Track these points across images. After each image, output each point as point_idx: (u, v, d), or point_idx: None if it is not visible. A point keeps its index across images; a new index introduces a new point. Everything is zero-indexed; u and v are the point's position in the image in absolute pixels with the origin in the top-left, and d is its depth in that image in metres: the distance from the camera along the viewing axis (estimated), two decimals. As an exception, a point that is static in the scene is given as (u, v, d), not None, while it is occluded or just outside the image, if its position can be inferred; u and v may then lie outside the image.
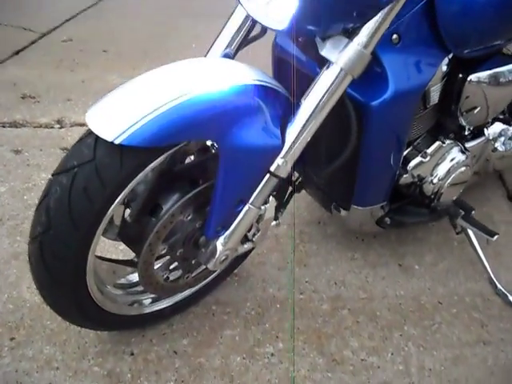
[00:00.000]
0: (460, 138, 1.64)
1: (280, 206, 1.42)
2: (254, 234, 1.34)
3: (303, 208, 2.02)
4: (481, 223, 1.62)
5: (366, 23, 1.14)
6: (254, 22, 1.36)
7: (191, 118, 1.05)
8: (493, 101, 1.58)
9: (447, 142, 1.60)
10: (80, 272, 1.17)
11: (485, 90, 1.52)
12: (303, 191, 1.76)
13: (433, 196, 1.64)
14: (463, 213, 1.61)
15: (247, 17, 1.35)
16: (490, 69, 1.49)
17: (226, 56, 1.35)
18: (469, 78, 1.46)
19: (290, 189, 1.48)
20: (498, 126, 1.76)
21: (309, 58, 1.42)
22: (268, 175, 1.20)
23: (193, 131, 1.08)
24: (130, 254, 1.45)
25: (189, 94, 1.06)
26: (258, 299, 1.65)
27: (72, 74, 3.06)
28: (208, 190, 1.23)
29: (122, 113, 1.04)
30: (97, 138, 1.04)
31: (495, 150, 1.78)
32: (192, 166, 1.32)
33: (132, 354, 1.46)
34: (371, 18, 1.13)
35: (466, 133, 1.64)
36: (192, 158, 1.38)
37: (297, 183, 1.47)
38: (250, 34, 1.40)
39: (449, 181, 1.62)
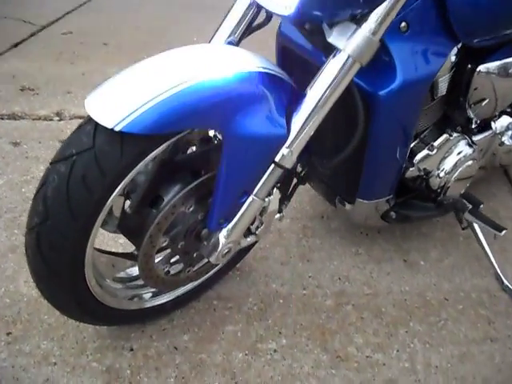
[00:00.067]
0: (467, 131, 1.61)
1: (284, 199, 1.39)
2: (257, 227, 1.31)
3: (306, 202, 1.99)
4: (488, 218, 1.59)
5: (374, 9, 1.11)
6: (259, 10, 1.33)
7: (194, 105, 1.02)
8: (501, 93, 1.55)
9: (454, 134, 1.57)
10: (78, 264, 1.13)
11: (494, 82, 1.49)
12: (307, 184, 1.74)
13: (439, 190, 1.61)
14: (471, 207, 1.57)
15: (251, 4, 1.32)
16: (500, 59, 1.46)
17: (230, 44, 1.31)
18: (478, 69, 1.42)
19: (295, 181, 1.45)
20: (505, 120, 1.73)
21: (314, 47, 1.38)
22: (272, 166, 1.16)
23: (195, 119, 1.04)
24: (129, 248, 1.42)
25: (191, 81, 1.02)
26: (261, 294, 1.62)
27: (72, 66, 3.03)
28: (211, 180, 1.19)
29: (122, 99, 1.00)
30: (96, 125, 1.01)
31: (502, 144, 1.75)
32: (194, 156, 1.29)
33: (131, 350, 1.43)
34: (380, 4, 1.10)
35: (473, 126, 1.61)
36: (194, 148, 1.34)
37: (301, 175, 1.43)
38: (254, 21, 1.36)
39: (456, 175, 1.59)
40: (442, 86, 1.41)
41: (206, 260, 1.42)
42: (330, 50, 1.16)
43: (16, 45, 3.28)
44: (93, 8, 4.00)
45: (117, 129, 0.97)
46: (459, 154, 1.59)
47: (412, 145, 1.51)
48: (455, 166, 1.58)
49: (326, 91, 1.14)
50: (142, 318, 1.48)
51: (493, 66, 1.45)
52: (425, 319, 1.57)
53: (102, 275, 1.31)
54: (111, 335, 1.46)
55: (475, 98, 1.49)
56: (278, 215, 1.36)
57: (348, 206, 1.59)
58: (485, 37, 1.38)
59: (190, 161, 1.26)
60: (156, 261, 1.31)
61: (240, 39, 1.36)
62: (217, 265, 1.49)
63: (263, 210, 1.28)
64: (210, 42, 1.34)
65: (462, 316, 1.58)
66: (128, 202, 1.24)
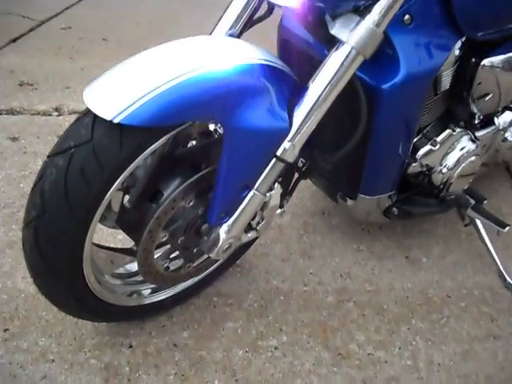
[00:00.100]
0: (470, 127, 1.59)
1: (285, 194, 1.37)
2: (258, 223, 1.29)
3: (307, 198, 1.97)
4: (492, 214, 1.57)
5: (378, 1, 1.09)
6: (260, 2, 1.31)
7: (194, 97, 1.00)
8: (505, 87, 1.53)
9: (457, 130, 1.55)
10: (76, 260, 1.11)
11: (498, 76, 1.47)
12: (308, 181, 1.72)
13: (442, 186, 1.59)
14: (474, 203, 1.56)
15: (253, -5, 1.29)
16: (505, 53, 1.44)
17: (231, 37, 1.29)
18: (482, 63, 1.41)
19: (296, 176, 1.43)
20: (508, 115, 1.71)
21: (316, 40, 1.36)
22: (274, 160, 1.15)
23: (196, 111, 1.02)
24: (129, 244, 1.40)
25: (192, 72, 1.00)
26: (261, 291, 1.60)
27: (71, 61, 3.01)
28: (211, 174, 1.17)
29: (121, 91, 0.98)
30: (95, 117, 0.99)
31: (505, 140, 1.73)
32: (194, 150, 1.27)
33: (130, 347, 1.42)
34: (384, -5, 1.08)
35: (477, 121, 1.59)
36: (194, 143, 1.32)
37: (303, 170, 1.41)
38: (256, 14, 1.34)
39: (458, 170, 1.57)
40: (446, 81, 1.39)
41: (206, 256, 1.40)
42: (333, 42, 1.14)
43: (15, 40, 3.26)
44: (92, 3, 3.97)
45: (116, 121, 0.95)
46: (462, 149, 1.57)
47: (415, 140, 1.49)
48: (458, 162, 1.56)
49: (328, 84, 1.12)
50: (141, 315, 1.46)
51: (497, 59, 1.43)
52: (427, 316, 1.55)
53: (101, 271, 1.29)
54: (110, 332, 1.44)
55: (479, 92, 1.47)
56: (279, 210, 1.34)
57: (350, 202, 1.57)
58: (489, 30, 1.36)
59: (190, 154, 1.24)
60: (155, 256, 1.29)
61: (241, 32, 1.34)
62: (217, 261, 1.47)
63: (264, 205, 1.27)
64: (210, 34, 1.32)
65: (464, 313, 1.57)
66: (127, 197, 1.22)
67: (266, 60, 1.12)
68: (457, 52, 1.36)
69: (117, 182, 1.03)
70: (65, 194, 1.00)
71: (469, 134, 1.58)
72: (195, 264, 1.40)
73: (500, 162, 1.88)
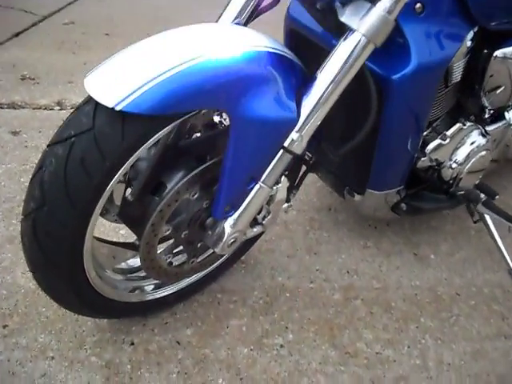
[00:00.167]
0: (480, 121, 1.56)
1: (292, 188, 1.33)
2: (264, 217, 1.26)
3: (313, 194, 1.93)
4: (503, 210, 1.53)
5: (390, -14, 1.05)
6: (267, -10, 1.27)
7: (200, 85, 0.96)
8: (518, 80, 1.49)
9: (468, 124, 1.51)
10: (76, 253, 1.08)
11: (510, 68, 1.44)
12: (314, 176, 1.69)
13: (451, 181, 1.56)
14: (484, 198, 1.52)
15: (260, -17, 1.26)
16: (517, 44, 1.40)
17: (237, 25, 1.26)
18: (494, 54, 1.38)
19: (303, 170, 1.39)
20: (519, 110, 1.67)
21: (325, 30, 1.33)
22: (281, 151, 1.11)
23: (201, 99, 0.98)
24: (131, 239, 1.36)
25: (198, 59, 0.97)
26: (267, 288, 1.57)
27: (73, 56, 2.98)
28: (216, 165, 1.14)
29: (124, 77, 0.95)
30: (96, 104, 0.96)
31: (516, 135, 1.69)
32: (199, 141, 1.23)
33: (132, 344, 1.38)
34: (395, -18, 1.04)
35: (487, 115, 1.56)
36: (198, 135, 1.29)
37: (311, 163, 1.37)
38: (262, 3, 1.31)
39: (468, 165, 1.54)
40: (457, 72, 1.36)
41: (210, 251, 1.37)
42: (342, 31, 1.11)
43: (17, 34, 3.23)
44: (95, -1, 3.95)
45: (118, 108, 0.91)
46: (472, 144, 1.54)
47: (424, 134, 1.45)
48: (468, 157, 1.53)
49: (338, 73, 1.09)
50: (143, 311, 1.43)
51: (510, 51, 1.39)
52: (436, 315, 1.52)
53: (102, 266, 1.26)
54: (111, 329, 1.41)
55: (490, 85, 1.44)
56: (285, 205, 1.31)
57: (357, 197, 1.53)
58: (503, 19, 1.33)
59: (194, 145, 1.20)
60: (158, 251, 1.25)
61: (247, 22, 1.31)
62: (221, 256, 1.44)
63: (270, 199, 1.23)
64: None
65: (474, 312, 1.53)
66: (129, 190, 1.19)
67: (274, 48, 1.08)
68: (469, 42, 1.33)
69: (118, 172, 1.00)
70: (64, 184, 0.96)
71: (479, 128, 1.55)
72: (199, 259, 1.37)
73: (510, 158, 1.84)
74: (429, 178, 1.55)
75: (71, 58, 2.95)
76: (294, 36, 1.44)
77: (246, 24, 1.29)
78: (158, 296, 1.40)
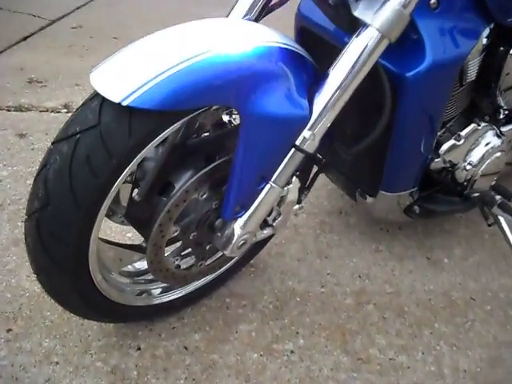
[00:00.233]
0: (495, 121, 1.52)
1: (303, 188, 1.30)
2: (274, 219, 1.22)
3: (324, 197, 1.90)
4: (520, 212, 1.49)
5: (404, -20, 1.02)
6: (277, -14, 1.25)
7: (210, 80, 0.93)
8: (535, 79, 1.46)
9: (482, 124, 1.48)
10: (82, 255, 1.05)
11: (527, 67, 1.40)
12: (324, 179, 1.66)
13: (466, 183, 1.52)
14: (500, 200, 1.48)
15: (270, -21, 1.23)
16: (535, 41, 1.36)
17: (246, 22, 1.23)
18: (511, 52, 1.34)
19: (315, 170, 1.36)
20: (535, 111, 1.63)
21: (337, 27, 1.29)
22: (293, 150, 1.08)
23: (211, 95, 0.95)
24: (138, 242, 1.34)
25: (207, 54, 0.94)
26: (276, 292, 1.53)
27: (81, 59, 2.98)
28: (226, 165, 1.10)
29: (131, 72, 0.92)
30: (103, 100, 0.93)
31: (531, 136, 1.65)
32: (208, 140, 1.20)
33: (139, 349, 1.35)
34: (410, -25, 1.01)
35: (502, 116, 1.51)
36: (206, 135, 1.26)
37: (322, 163, 1.34)
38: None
39: (483, 167, 1.50)
40: (472, 71, 1.32)
41: (219, 254, 1.34)
42: (355, 27, 1.07)
43: (25, 38, 3.23)
44: (103, 3, 3.94)
45: (125, 103, 0.88)
46: (487, 145, 1.50)
47: (438, 134, 1.41)
48: (482, 158, 1.50)
49: (351, 70, 1.05)
50: (150, 316, 1.40)
51: (527, 48, 1.35)
52: (451, 320, 1.48)
53: (108, 268, 1.23)
54: (117, 333, 1.38)
55: (506, 84, 1.41)
56: (296, 206, 1.27)
57: (369, 200, 1.50)
58: (521, 15, 1.29)
59: (203, 144, 1.17)
60: (166, 254, 1.22)
61: (256, 19, 1.28)
62: (230, 259, 1.41)
63: (281, 200, 1.20)
64: (225, 20, 1.25)
65: (490, 317, 1.49)
66: (136, 191, 1.16)
67: (285, 44, 1.05)
68: (484, 40, 1.29)
69: (125, 171, 0.97)
70: (69, 183, 0.93)
71: (494, 128, 1.51)
72: (208, 262, 1.33)
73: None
74: (442, 180, 1.51)
75: (79, 62, 2.94)
76: (305, 34, 1.41)
77: (256, 21, 1.27)
78: (165, 300, 1.37)
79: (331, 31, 1.31)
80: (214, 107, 1.13)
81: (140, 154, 0.97)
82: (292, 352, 1.37)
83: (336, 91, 1.06)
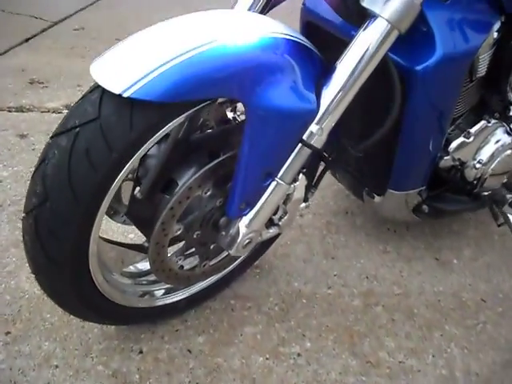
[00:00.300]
0: (505, 118, 1.48)
1: (310, 186, 1.26)
2: (280, 217, 1.19)
3: (329, 197, 1.87)
4: (532, 211, 1.46)
5: (415, -31, 0.99)
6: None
7: (214, 71, 0.90)
8: (547, 75, 1.42)
9: (492, 121, 1.44)
10: (81, 254, 1.02)
11: (540, 62, 1.36)
12: (330, 179, 1.62)
13: (475, 182, 1.48)
14: (511, 199, 1.44)
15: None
16: (548, 35, 1.33)
17: (251, 15, 1.20)
18: (522, 46, 1.30)
19: (321, 168, 1.32)
20: (546, 108, 1.60)
21: (344, 21, 1.26)
22: (300, 145, 1.04)
23: (215, 87, 0.92)
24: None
25: (212, 44, 0.91)
26: (282, 294, 1.50)
27: (83, 60, 2.95)
28: (230, 160, 1.07)
29: (133, 63, 0.89)
30: (103, 92, 0.90)
31: (543, 134, 1.62)
32: (212, 136, 1.16)
33: (141, 353, 1.32)
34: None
35: (512, 113, 1.48)
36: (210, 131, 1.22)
37: (329, 159, 1.30)
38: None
39: (493, 166, 1.47)
40: (482, 65, 1.29)
41: (223, 253, 1.31)
42: (363, 19, 1.04)
43: (27, 40, 3.23)
44: (106, 5, 3.94)
45: (125, 95, 0.85)
46: (497, 142, 1.47)
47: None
48: (492, 156, 1.46)
49: (359, 62, 1.02)
50: (152, 318, 1.37)
51: (540, 43, 1.32)
52: (461, 322, 1.44)
53: (109, 268, 1.19)
54: (119, 336, 1.35)
55: (517, 79, 1.37)
56: (303, 204, 1.23)
57: (377, 199, 1.46)
58: (534, 7, 1.25)
59: (207, 140, 1.14)
60: (169, 254, 1.19)
61: (261, 13, 1.24)
62: (235, 259, 1.37)
63: (287, 199, 1.16)
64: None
65: (502, 319, 1.45)
66: (138, 188, 1.12)
67: (291, 36, 1.02)
68: (495, 33, 1.26)
69: (126, 166, 0.93)
70: (68, 178, 0.90)
71: (504, 126, 1.48)
72: (212, 262, 1.30)
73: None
74: (451, 179, 1.48)
75: (80, 63, 2.91)
76: (311, 28, 1.38)
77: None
78: (168, 302, 1.34)
79: (338, 25, 1.28)
80: (219, 101, 1.09)
81: (142, 149, 0.93)
82: (299, 355, 1.33)
83: (344, 84, 1.03)
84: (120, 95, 0.85)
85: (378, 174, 1.41)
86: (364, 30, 1.03)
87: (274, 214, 1.17)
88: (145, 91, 0.86)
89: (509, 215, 1.49)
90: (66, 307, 1.16)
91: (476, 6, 1.20)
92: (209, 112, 1.13)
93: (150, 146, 0.95)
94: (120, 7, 3.89)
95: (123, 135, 0.89)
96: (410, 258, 1.64)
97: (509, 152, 1.48)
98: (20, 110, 2.41)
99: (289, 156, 1.05)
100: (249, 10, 1.23)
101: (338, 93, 1.03)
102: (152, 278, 1.31)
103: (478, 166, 1.46)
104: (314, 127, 1.02)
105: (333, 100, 1.03)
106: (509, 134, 1.48)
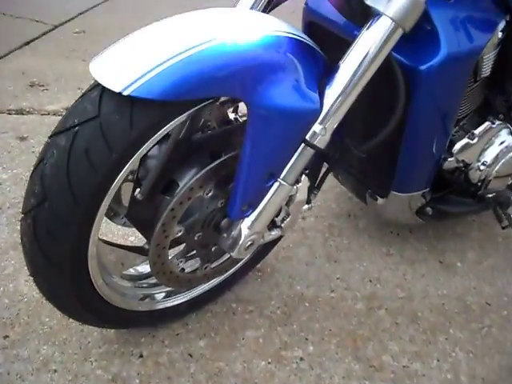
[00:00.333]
0: (510, 120, 1.47)
1: (313, 187, 1.25)
2: (283, 219, 1.17)
3: (332, 200, 1.85)
4: (537, 214, 1.44)
5: (419, -34, 0.97)
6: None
7: (215, 69, 0.89)
8: (552, 75, 1.41)
9: (497, 122, 1.43)
10: (80, 256, 1.00)
11: (545, 62, 1.35)
12: (332, 181, 1.61)
13: (479, 184, 1.47)
14: (517, 202, 1.43)
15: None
16: (553, 34, 1.31)
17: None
18: (528, 46, 1.28)
19: (324, 169, 1.31)
20: (552, 109, 1.58)
21: (346, 21, 1.25)
22: (303, 145, 1.02)
23: (217, 85, 0.90)
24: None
25: (213, 42, 0.90)
26: (284, 297, 1.48)
27: (83, 63, 2.93)
28: (232, 161, 1.05)
29: (133, 60, 0.88)
30: (103, 90, 0.88)
31: (547, 136, 1.60)
32: (213, 136, 1.14)
33: (141, 357, 1.30)
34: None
35: (516, 114, 1.47)
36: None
37: (333, 160, 1.29)
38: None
39: (497, 167, 1.45)
40: (487, 66, 1.28)
41: (225, 256, 1.29)
42: (367, 19, 1.03)
43: (27, 43, 3.22)
44: (106, 8, 3.94)
45: (126, 93, 0.84)
46: (501, 144, 1.45)
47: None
48: (497, 158, 1.45)
49: (363, 61, 1.01)
50: (153, 321, 1.35)
51: (545, 43, 1.31)
52: (466, 326, 1.42)
53: (109, 271, 1.17)
54: (119, 340, 1.33)
55: (522, 80, 1.35)
56: (306, 206, 1.22)
57: (380, 201, 1.44)
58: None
59: (208, 140, 1.12)
60: (170, 256, 1.17)
61: (263, 12, 1.23)
62: (237, 262, 1.36)
63: (290, 200, 1.15)
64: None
65: (507, 323, 1.43)
66: (138, 190, 1.10)
67: (294, 34, 1.01)
68: (500, 33, 1.24)
69: (126, 166, 0.92)
70: (67, 178, 0.88)
71: (508, 127, 1.46)
72: (213, 265, 1.28)
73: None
74: (455, 181, 1.46)
75: (81, 65, 2.90)
76: (314, 28, 1.36)
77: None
78: (169, 305, 1.32)
79: (341, 25, 1.27)
80: (220, 101, 1.08)
81: (142, 148, 0.92)
82: (301, 359, 1.31)
83: (348, 84, 1.02)
84: (120, 93, 0.84)
85: (382, 175, 1.40)
86: (367, 28, 1.02)
87: (277, 215, 1.16)
88: (145, 89, 0.84)
89: (513, 217, 1.47)
90: (65, 310, 1.14)
91: (481, 4, 1.19)
92: (210, 112, 1.11)
93: (150, 146, 0.93)
94: (120, 10, 3.89)
95: (123, 134, 0.88)
96: (413, 260, 1.62)
97: (513, 154, 1.46)
98: (20, 112, 2.39)
99: (291, 156, 1.04)
100: (251, 8, 1.22)
101: (342, 92, 1.02)
102: (152, 280, 1.29)
103: (482, 167, 1.44)
104: (317, 127, 1.01)
105: (336, 100, 1.02)
106: (513, 135, 1.46)
